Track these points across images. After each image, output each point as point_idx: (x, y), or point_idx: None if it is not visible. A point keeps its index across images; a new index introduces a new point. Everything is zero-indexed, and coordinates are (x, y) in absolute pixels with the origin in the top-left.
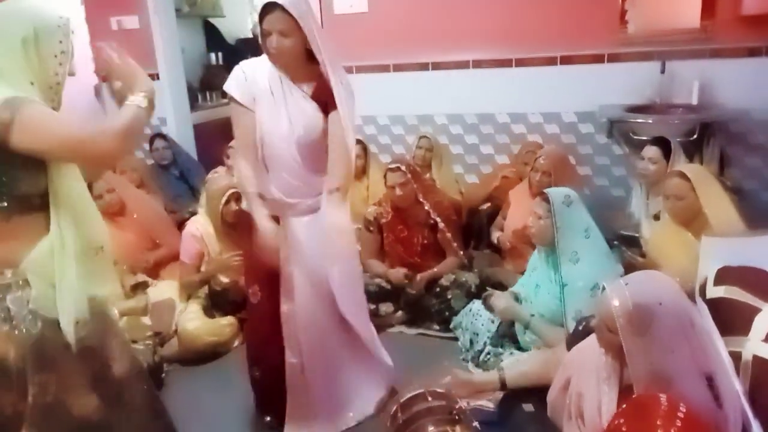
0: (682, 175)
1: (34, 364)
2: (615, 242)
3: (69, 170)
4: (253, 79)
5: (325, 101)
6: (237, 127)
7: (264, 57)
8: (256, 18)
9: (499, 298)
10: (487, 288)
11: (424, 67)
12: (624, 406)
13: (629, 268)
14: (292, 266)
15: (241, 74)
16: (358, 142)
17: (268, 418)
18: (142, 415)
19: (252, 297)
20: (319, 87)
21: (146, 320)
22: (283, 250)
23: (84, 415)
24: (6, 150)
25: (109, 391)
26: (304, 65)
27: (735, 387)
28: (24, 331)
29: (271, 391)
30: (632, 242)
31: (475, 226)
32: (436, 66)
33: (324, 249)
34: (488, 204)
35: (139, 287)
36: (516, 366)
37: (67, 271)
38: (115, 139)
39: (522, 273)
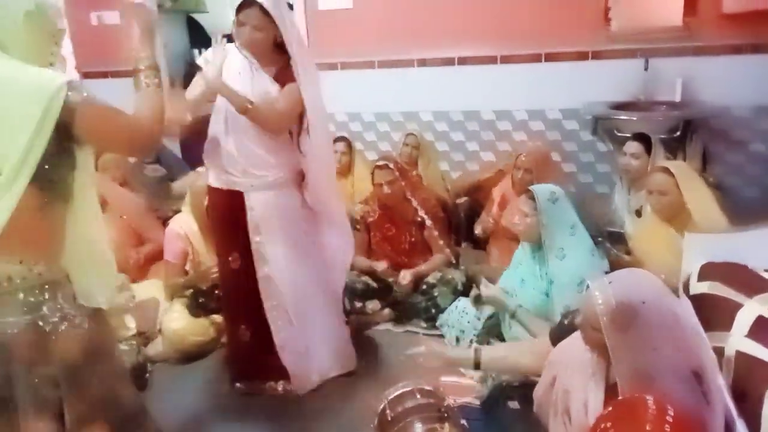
0: (666, 171)
1: (93, 358)
2: (599, 238)
3: (90, 159)
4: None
5: (284, 83)
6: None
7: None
8: None
9: (487, 286)
10: (474, 285)
11: (409, 63)
12: (610, 408)
13: (615, 265)
14: (260, 235)
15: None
16: (343, 139)
17: (239, 385)
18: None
19: (233, 263)
20: (280, 71)
21: (130, 320)
22: (250, 221)
23: (129, 404)
24: (65, 133)
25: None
26: (270, 53)
27: (721, 384)
28: (79, 326)
29: (247, 352)
30: (618, 239)
31: (453, 221)
32: (422, 63)
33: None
34: (465, 198)
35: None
36: (493, 349)
37: (107, 254)
38: (155, 126)
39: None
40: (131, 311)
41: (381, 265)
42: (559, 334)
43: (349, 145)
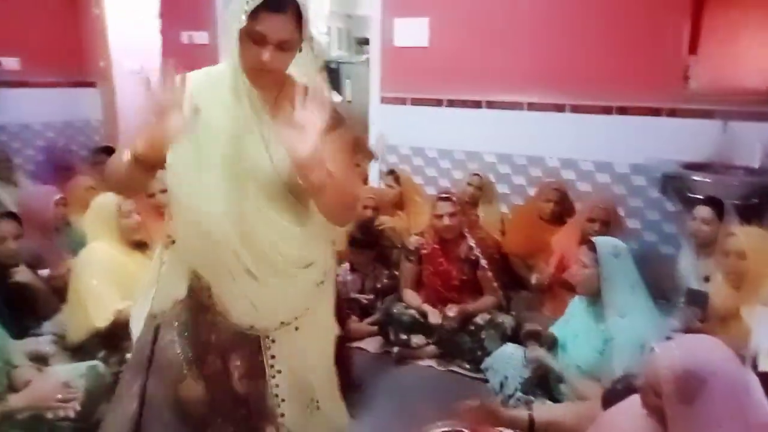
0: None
1: None
2: (662, 301)
3: None
4: None
5: None
6: None
7: None
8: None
9: (534, 350)
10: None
11: (477, 104)
12: None
13: (687, 330)
14: None
15: None
16: (391, 172)
17: None
18: None
19: None
20: None
21: None
22: None
23: None
24: None
25: None
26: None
27: None
28: None
29: None
30: (698, 299)
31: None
32: (491, 105)
33: None
34: None
35: None
36: (548, 411)
37: None
38: None
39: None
40: None
41: (434, 315)
42: (611, 399)
43: (397, 179)
